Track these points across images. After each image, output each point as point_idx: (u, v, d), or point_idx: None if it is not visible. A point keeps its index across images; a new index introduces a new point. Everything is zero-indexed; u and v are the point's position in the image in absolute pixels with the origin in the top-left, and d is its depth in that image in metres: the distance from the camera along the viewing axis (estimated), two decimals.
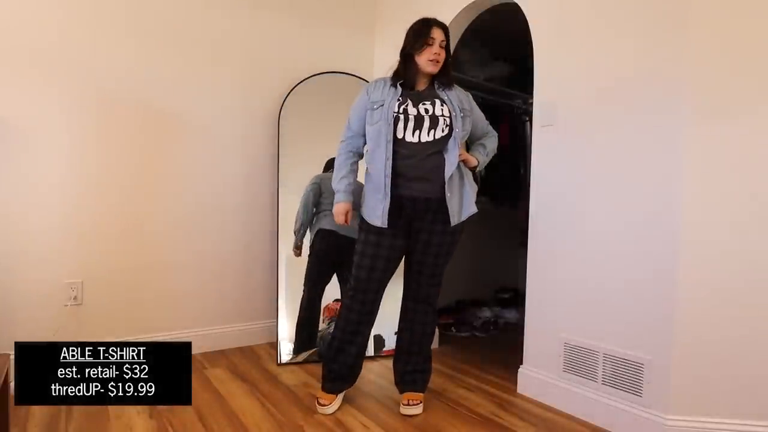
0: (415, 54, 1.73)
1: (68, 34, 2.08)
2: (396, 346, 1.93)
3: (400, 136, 1.69)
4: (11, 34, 1.97)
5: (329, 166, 2.48)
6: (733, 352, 1.55)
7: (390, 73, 1.80)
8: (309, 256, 2.46)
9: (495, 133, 1.95)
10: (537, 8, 2.02)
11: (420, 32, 1.73)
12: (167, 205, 2.35)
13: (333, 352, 1.82)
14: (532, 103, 2.09)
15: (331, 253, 2.46)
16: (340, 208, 1.79)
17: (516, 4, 2.10)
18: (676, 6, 1.58)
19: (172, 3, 2.33)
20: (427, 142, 1.69)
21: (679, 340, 1.58)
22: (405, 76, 1.75)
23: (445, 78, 1.78)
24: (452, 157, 1.69)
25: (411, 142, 1.69)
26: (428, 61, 1.71)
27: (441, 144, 1.70)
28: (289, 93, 2.59)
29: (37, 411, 1.74)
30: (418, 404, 1.81)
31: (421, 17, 1.78)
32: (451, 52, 1.80)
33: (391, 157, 1.68)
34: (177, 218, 2.37)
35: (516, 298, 3.48)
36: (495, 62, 3.27)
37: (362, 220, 1.79)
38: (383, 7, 2.87)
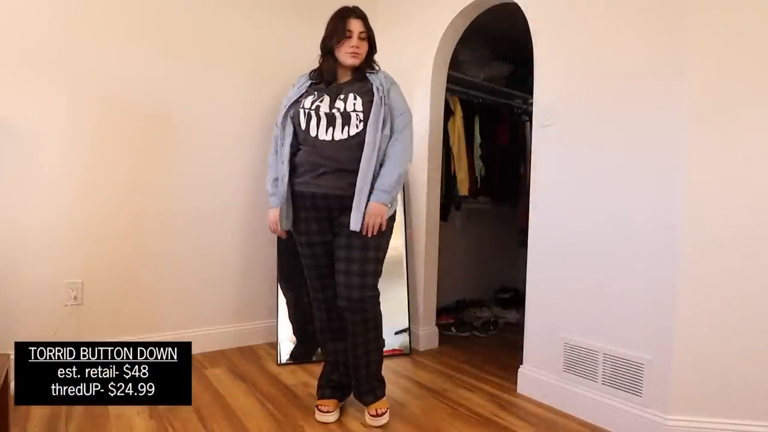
0: (334, 48, 1.69)
1: (68, 35, 2.08)
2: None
3: (313, 134, 1.65)
4: (11, 34, 1.96)
5: None
6: (733, 352, 1.55)
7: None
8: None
9: (405, 133, 1.68)
10: (537, 8, 2.02)
11: (336, 26, 1.69)
12: (167, 205, 2.35)
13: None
14: (532, 103, 2.10)
15: None
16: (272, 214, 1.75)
17: (516, 4, 2.10)
18: (676, 6, 1.58)
19: (172, 4, 2.33)
20: (340, 139, 1.63)
21: (679, 340, 1.58)
22: (323, 70, 1.72)
23: (368, 67, 1.74)
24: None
25: (324, 140, 1.64)
26: (347, 54, 1.68)
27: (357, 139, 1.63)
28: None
29: (37, 411, 1.74)
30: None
31: (341, 6, 1.74)
32: (375, 38, 1.75)
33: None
34: (177, 218, 2.37)
35: (516, 298, 3.48)
36: (495, 62, 3.27)
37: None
38: (383, 7, 2.87)
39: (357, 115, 1.63)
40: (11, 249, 1.99)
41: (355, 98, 1.65)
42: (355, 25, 1.68)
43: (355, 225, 1.60)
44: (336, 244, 1.70)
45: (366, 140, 1.62)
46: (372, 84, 1.69)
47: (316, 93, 1.69)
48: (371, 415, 1.70)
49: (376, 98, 1.64)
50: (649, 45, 1.65)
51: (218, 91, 2.47)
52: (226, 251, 2.53)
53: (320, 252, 1.72)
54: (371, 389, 1.74)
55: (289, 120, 1.69)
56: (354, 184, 1.61)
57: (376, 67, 1.77)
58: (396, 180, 1.63)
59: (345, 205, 1.63)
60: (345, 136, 1.63)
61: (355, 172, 1.61)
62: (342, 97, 1.66)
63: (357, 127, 1.63)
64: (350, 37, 1.67)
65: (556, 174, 1.94)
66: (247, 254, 2.59)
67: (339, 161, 1.63)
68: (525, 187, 3.14)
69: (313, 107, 1.66)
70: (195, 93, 2.41)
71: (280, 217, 1.71)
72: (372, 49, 1.75)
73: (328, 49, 1.72)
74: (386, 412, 1.71)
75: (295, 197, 1.69)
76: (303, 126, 1.66)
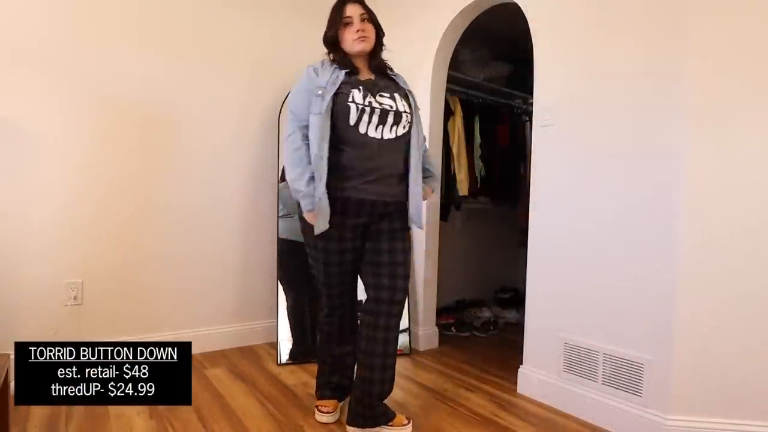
0: (339, 40, 1.61)
1: (69, 35, 2.08)
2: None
3: (362, 131, 1.53)
4: (11, 34, 1.96)
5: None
6: (733, 352, 1.55)
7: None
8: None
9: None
10: (537, 8, 2.02)
11: (334, 17, 1.61)
12: (167, 206, 2.35)
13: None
14: (532, 103, 2.10)
15: None
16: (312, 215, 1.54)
17: (516, 4, 2.10)
18: (676, 7, 1.58)
19: (172, 5, 2.33)
20: (388, 139, 1.56)
21: (679, 340, 1.58)
22: (344, 63, 1.60)
23: (380, 51, 1.66)
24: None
25: (374, 139, 1.54)
26: (354, 41, 1.58)
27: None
28: (289, 93, 2.59)
29: (37, 411, 1.74)
30: None
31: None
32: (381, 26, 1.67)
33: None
34: (177, 218, 2.37)
35: (516, 298, 3.48)
36: (495, 62, 3.27)
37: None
38: (383, 7, 2.86)
39: (407, 115, 1.60)
40: (11, 249, 1.99)
41: (400, 97, 1.60)
42: (353, 9, 1.60)
43: (419, 224, 1.64)
44: (373, 248, 1.63)
45: (412, 143, 1.62)
46: (399, 83, 1.66)
47: (361, 87, 1.56)
48: (405, 425, 1.65)
49: (411, 99, 1.64)
50: (649, 45, 1.65)
51: (217, 91, 2.47)
52: (226, 251, 2.53)
53: (350, 258, 1.64)
54: (389, 390, 1.66)
55: (328, 113, 1.50)
56: (402, 191, 1.62)
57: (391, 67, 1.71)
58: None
59: (388, 211, 1.62)
60: (393, 135, 1.56)
61: (402, 176, 1.61)
62: (385, 94, 1.58)
63: (404, 128, 1.59)
64: (351, 23, 1.59)
65: (556, 174, 1.94)
66: (247, 254, 2.59)
67: (389, 164, 1.57)
68: (525, 187, 3.15)
69: (366, 102, 1.54)
70: (195, 93, 2.41)
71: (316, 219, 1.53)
72: (379, 31, 1.65)
73: (332, 42, 1.62)
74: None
75: (335, 201, 1.52)
76: (352, 122, 1.52)
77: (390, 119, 1.56)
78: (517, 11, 2.10)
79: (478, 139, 3.09)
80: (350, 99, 1.52)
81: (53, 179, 2.07)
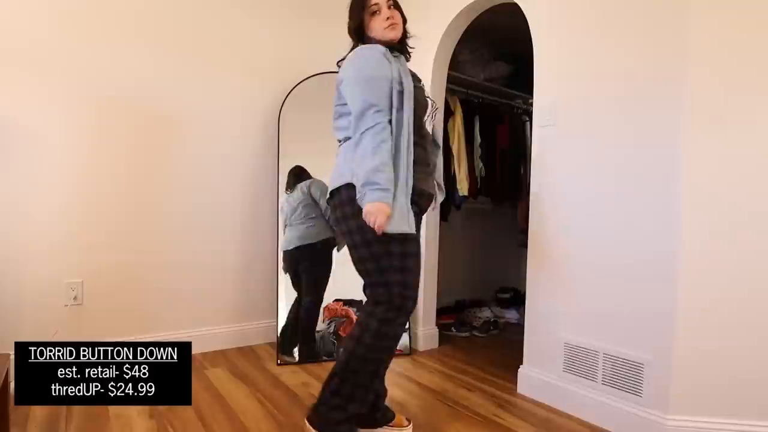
0: (366, 30, 1.51)
1: (69, 36, 2.08)
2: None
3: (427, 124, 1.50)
4: (11, 34, 1.96)
5: (296, 177, 2.53)
6: (733, 352, 1.55)
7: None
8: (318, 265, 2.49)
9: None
10: (537, 8, 2.02)
11: (359, 5, 1.51)
12: (167, 206, 2.35)
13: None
14: (532, 103, 2.10)
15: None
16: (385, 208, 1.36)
17: (516, 4, 2.10)
18: (676, 6, 1.58)
19: (172, 4, 2.33)
20: (427, 134, 1.58)
21: (679, 340, 1.57)
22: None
23: (405, 46, 1.58)
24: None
25: (426, 134, 1.55)
26: (384, 29, 1.49)
27: None
28: (289, 93, 2.60)
29: (37, 411, 1.74)
30: None
31: None
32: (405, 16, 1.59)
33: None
34: (177, 218, 2.37)
35: (516, 298, 3.48)
36: (495, 62, 3.27)
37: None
38: None
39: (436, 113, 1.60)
40: (11, 249, 1.99)
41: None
42: None
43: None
44: None
45: (436, 137, 1.62)
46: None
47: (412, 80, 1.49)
48: (405, 426, 1.63)
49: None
50: (649, 45, 1.65)
51: (219, 92, 2.47)
52: (226, 251, 2.53)
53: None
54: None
55: (411, 110, 1.43)
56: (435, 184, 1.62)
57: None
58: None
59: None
60: (430, 129, 1.58)
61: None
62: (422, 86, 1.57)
63: (431, 125, 1.60)
64: (379, 11, 1.49)
65: (556, 174, 1.93)
66: (247, 254, 2.59)
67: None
68: (525, 187, 3.15)
69: (424, 96, 1.52)
70: (196, 94, 2.41)
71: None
72: (404, 17, 1.57)
73: (359, 31, 1.52)
74: None
75: (417, 197, 1.48)
76: (425, 117, 1.53)
77: (429, 113, 1.57)
78: (517, 11, 2.10)
79: (478, 139, 3.09)
80: (425, 93, 1.53)
81: (54, 179, 2.07)
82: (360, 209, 1.38)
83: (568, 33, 1.91)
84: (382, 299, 1.44)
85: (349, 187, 1.43)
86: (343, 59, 1.54)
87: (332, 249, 2.48)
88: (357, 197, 1.38)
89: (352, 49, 1.52)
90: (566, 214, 1.90)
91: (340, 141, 1.58)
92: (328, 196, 1.55)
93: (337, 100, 1.56)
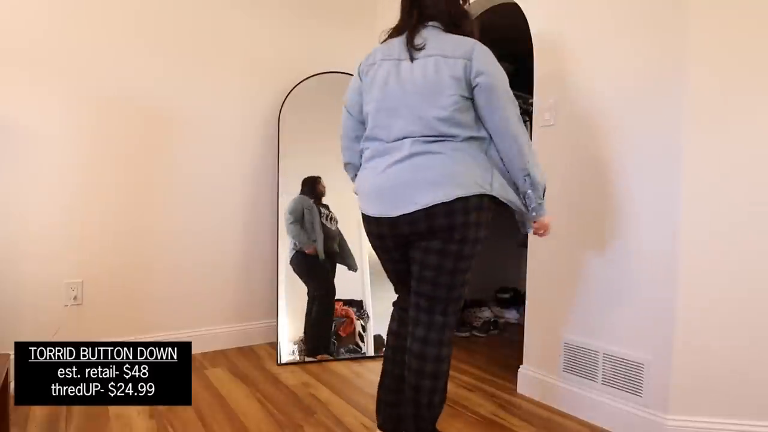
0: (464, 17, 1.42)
1: (69, 36, 2.08)
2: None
3: None
4: (11, 34, 1.97)
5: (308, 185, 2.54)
6: (733, 352, 1.55)
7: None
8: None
9: None
10: (537, 8, 2.02)
11: None
12: (167, 205, 2.35)
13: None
14: (532, 103, 2.10)
15: None
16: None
17: (516, 4, 2.10)
18: (677, 7, 1.58)
19: (172, 4, 2.33)
20: None
21: (679, 340, 1.57)
22: None
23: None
24: None
25: None
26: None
27: None
28: (290, 93, 2.60)
29: (37, 411, 1.74)
30: None
31: None
32: None
33: None
34: (177, 218, 2.37)
35: (516, 298, 3.48)
36: None
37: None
38: (383, 6, 2.86)
39: None
40: (11, 249, 1.99)
41: None
42: None
43: None
44: None
45: None
46: None
47: None
48: None
49: None
50: (649, 45, 1.65)
51: (219, 93, 2.47)
52: (227, 251, 2.53)
53: None
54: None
55: None
56: None
57: None
58: None
59: None
60: None
61: None
62: None
63: None
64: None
65: (556, 174, 1.93)
66: (247, 254, 2.59)
67: None
68: None
69: None
70: (196, 94, 2.41)
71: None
72: None
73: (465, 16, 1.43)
74: None
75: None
76: None
77: None
78: (517, 11, 2.10)
79: None
80: None
81: (54, 179, 2.07)
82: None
83: (568, 33, 1.91)
84: (454, 310, 1.42)
85: (483, 197, 1.33)
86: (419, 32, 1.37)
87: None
88: (531, 206, 1.36)
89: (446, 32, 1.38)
90: (566, 213, 1.90)
91: (444, 137, 1.33)
92: (448, 199, 1.30)
93: (457, 89, 1.33)
